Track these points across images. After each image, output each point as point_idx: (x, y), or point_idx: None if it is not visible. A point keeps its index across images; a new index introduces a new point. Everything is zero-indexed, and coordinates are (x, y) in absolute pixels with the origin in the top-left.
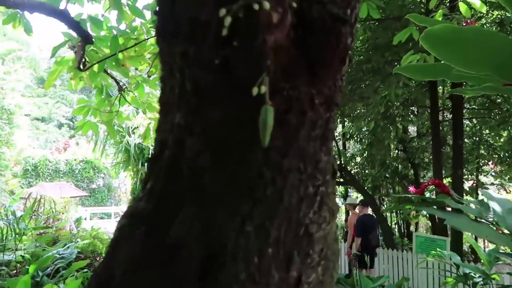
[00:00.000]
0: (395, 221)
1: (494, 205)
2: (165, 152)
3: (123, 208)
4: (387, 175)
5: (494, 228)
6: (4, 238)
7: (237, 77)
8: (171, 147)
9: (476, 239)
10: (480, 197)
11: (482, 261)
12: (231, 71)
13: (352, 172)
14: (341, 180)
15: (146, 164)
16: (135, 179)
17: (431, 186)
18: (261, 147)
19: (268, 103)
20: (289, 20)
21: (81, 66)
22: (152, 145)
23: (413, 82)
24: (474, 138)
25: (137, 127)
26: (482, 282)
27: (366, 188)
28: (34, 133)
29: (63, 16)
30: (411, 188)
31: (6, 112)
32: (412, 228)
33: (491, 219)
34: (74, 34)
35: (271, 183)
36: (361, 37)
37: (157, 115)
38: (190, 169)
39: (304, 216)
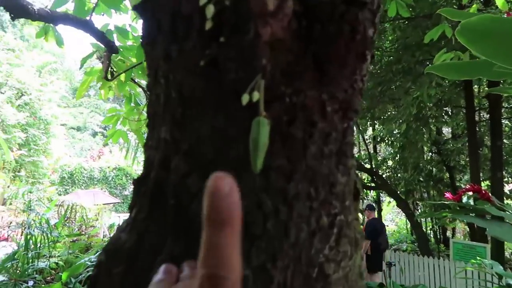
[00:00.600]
0: (430, 227)
1: None
2: (151, 174)
3: None
4: (420, 178)
5: None
6: (38, 246)
7: (227, 82)
8: (156, 167)
9: None
10: None
11: None
12: (220, 75)
13: (384, 176)
14: (373, 184)
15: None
16: None
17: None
18: (262, 170)
19: (262, 114)
20: (290, 7)
21: (109, 76)
22: None
23: (447, 81)
24: None
25: None
26: None
27: (398, 192)
28: (70, 142)
29: (88, 26)
30: (448, 195)
31: (43, 122)
32: (448, 233)
33: None
34: (102, 45)
35: (273, 214)
36: (390, 37)
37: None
38: (174, 196)
39: (317, 254)
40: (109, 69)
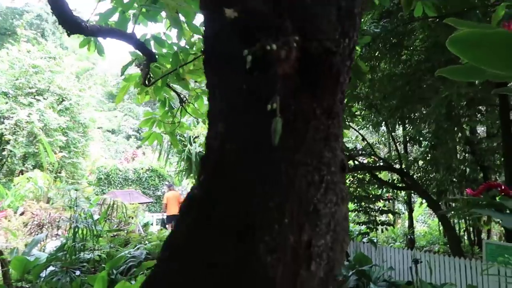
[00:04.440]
0: (464, 228)
1: None
2: (212, 154)
3: None
4: (454, 179)
5: None
6: (84, 239)
7: (258, 98)
8: (216, 150)
9: None
10: None
11: None
12: (254, 93)
13: (415, 176)
14: (403, 185)
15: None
16: None
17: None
18: (279, 148)
19: (277, 115)
20: (294, 55)
21: (146, 82)
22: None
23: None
24: None
25: (198, 137)
26: None
27: (430, 193)
28: (106, 145)
29: (131, 38)
30: (468, 190)
31: (82, 126)
32: (484, 235)
33: None
34: (140, 53)
35: (285, 173)
36: (420, 36)
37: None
38: (229, 167)
39: (312, 197)
40: (147, 75)
